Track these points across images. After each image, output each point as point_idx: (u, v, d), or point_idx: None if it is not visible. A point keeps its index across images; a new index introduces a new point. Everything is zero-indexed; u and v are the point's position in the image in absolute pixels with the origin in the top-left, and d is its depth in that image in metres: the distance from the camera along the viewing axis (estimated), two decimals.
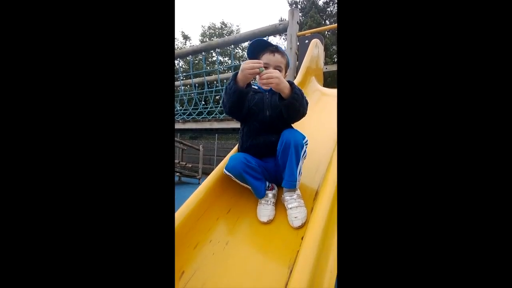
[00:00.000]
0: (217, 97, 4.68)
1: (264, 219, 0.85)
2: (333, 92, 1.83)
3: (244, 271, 0.71)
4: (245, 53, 1.08)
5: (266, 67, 0.96)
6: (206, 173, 4.64)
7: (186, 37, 16.67)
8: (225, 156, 0.98)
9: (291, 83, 0.85)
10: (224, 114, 2.89)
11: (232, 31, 16.39)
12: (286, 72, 1.03)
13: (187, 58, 3.97)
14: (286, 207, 0.85)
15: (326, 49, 3.18)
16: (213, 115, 3.14)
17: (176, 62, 4.46)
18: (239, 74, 0.82)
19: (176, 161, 5.76)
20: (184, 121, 3.39)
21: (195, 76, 4.39)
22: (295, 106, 0.85)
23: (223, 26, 16.57)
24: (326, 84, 2.17)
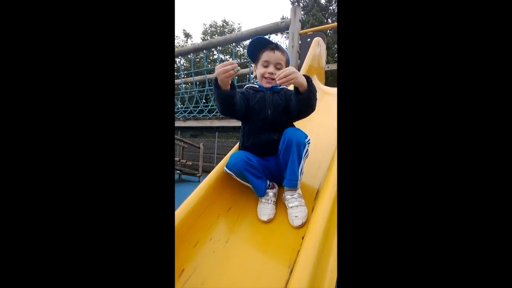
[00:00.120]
0: None
1: (264, 218, 0.84)
2: (335, 91, 1.82)
3: (244, 270, 0.71)
4: (246, 51, 1.06)
5: (266, 65, 0.96)
6: (207, 171, 4.64)
7: (187, 35, 16.64)
8: (225, 154, 0.97)
9: (306, 77, 0.82)
10: None
11: (233, 29, 16.35)
12: None
13: (189, 56, 3.96)
14: (287, 206, 0.85)
15: (328, 47, 3.16)
16: (213, 113, 3.14)
17: (177, 60, 4.45)
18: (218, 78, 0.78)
19: (177, 159, 5.76)
20: (185, 119, 3.39)
21: (196, 74, 4.39)
22: (311, 99, 0.84)
23: (225, 24, 16.54)
24: (328, 83, 2.16)
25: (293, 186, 0.86)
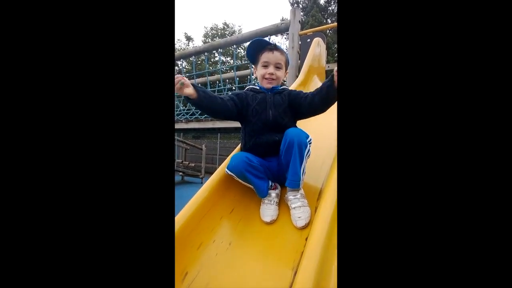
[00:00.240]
0: None
1: (267, 219, 0.84)
2: None
3: (248, 273, 0.70)
4: (246, 53, 1.07)
5: (266, 66, 0.96)
6: (209, 172, 4.64)
7: (189, 38, 16.73)
8: (227, 155, 0.97)
9: None
10: None
11: (234, 32, 16.40)
12: (286, 69, 1.02)
13: (190, 58, 3.97)
14: (290, 207, 0.85)
15: (328, 47, 3.16)
16: None
17: (179, 63, 4.46)
18: None
19: (179, 160, 5.78)
20: (187, 121, 3.40)
21: (198, 76, 4.40)
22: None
23: (225, 27, 16.60)
24: None
25: (296, 187, 0.85)
